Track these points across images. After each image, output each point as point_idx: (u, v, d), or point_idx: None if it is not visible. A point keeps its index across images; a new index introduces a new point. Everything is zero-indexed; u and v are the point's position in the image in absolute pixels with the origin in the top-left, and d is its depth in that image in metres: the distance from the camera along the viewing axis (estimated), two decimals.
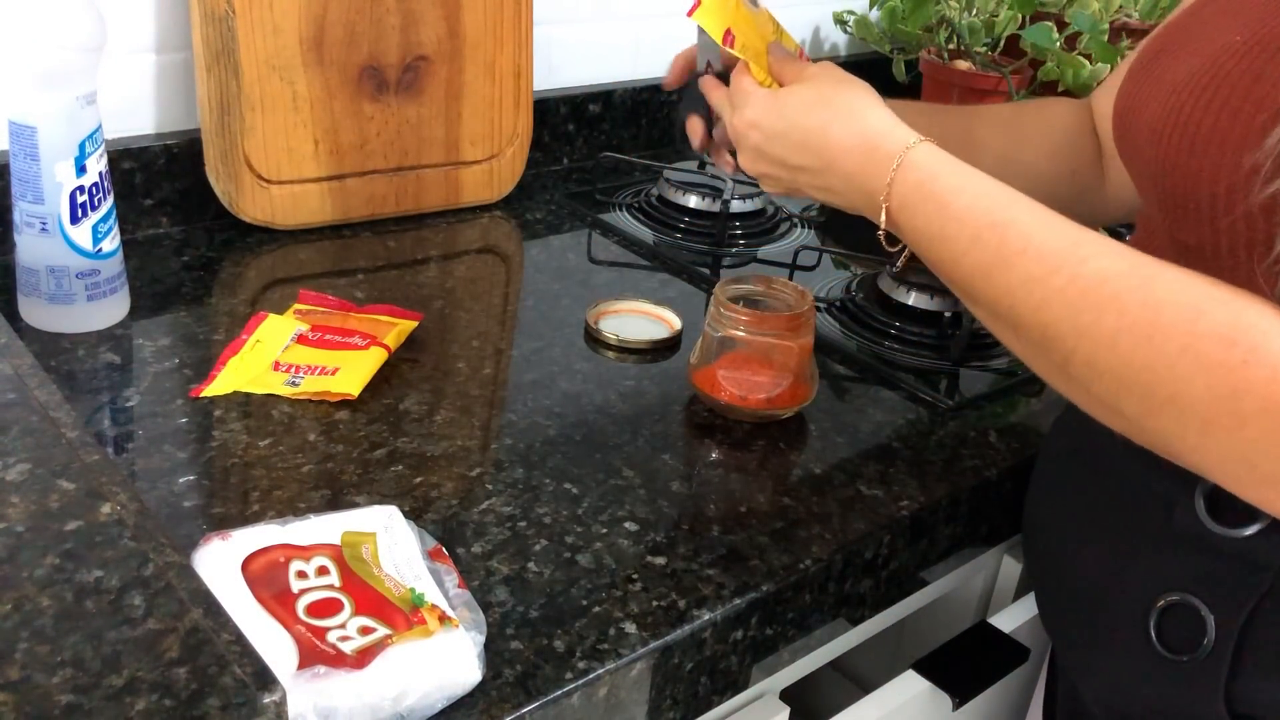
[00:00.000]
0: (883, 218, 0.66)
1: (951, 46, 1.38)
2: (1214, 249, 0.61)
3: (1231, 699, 0.63)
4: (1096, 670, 0.72)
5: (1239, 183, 0.57)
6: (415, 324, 0.90)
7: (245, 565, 0.60)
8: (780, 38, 0.81)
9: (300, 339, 0.85)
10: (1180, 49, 0.65)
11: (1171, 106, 0.62)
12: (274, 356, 0.83)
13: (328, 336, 0.86)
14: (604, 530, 0.71)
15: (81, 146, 0.81)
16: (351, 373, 0.82)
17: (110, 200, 0.85)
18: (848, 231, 1.19)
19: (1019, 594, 0.93)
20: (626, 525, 0.72)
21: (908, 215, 0.65)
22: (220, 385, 0.80)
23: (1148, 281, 0.56)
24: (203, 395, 0.79)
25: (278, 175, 1.03)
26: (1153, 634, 0.66)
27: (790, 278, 1.01)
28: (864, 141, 0.68)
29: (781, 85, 0.76)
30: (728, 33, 0.76)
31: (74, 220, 0.83)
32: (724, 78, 0.80)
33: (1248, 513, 0.62)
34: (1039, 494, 0.79)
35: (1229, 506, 0.62)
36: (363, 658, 0.56)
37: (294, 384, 0.81)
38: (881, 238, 0.75)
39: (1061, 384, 0.61)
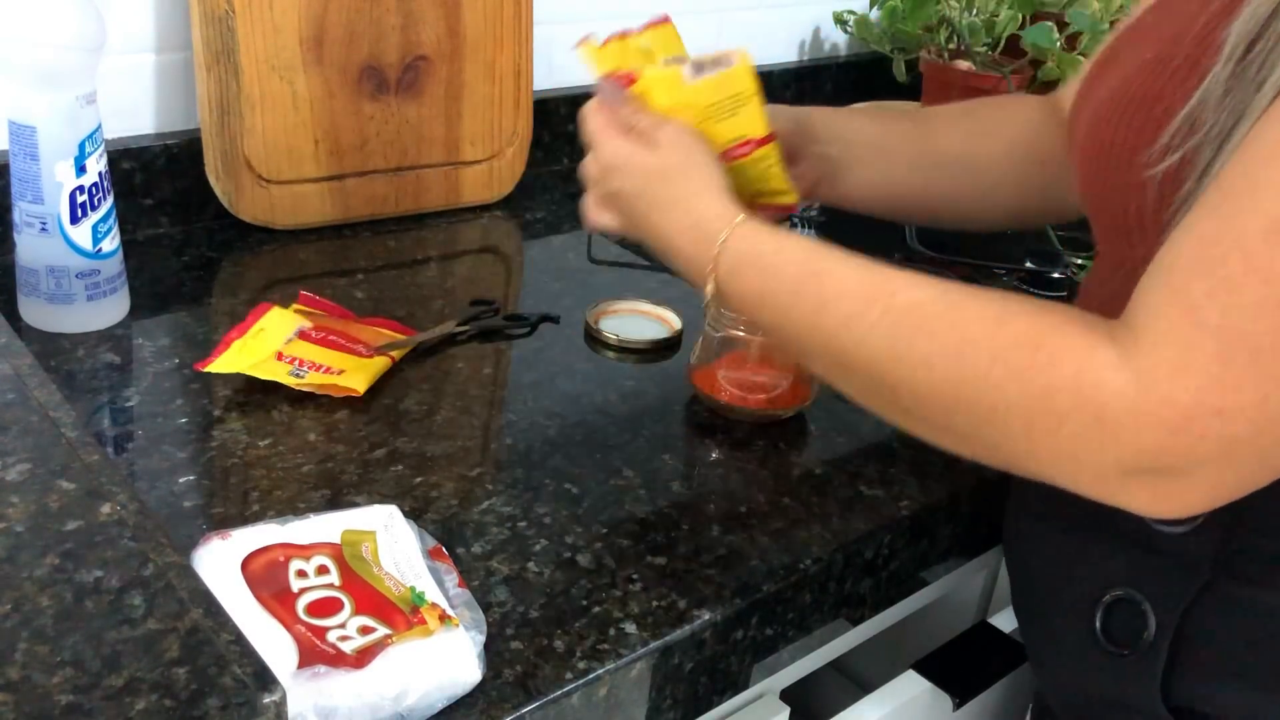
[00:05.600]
0: (710, 288, 0.69)
1: (952, 46, 1.38)
2: (1132, 264, 0.62)
3: (1169, 693, 0.65)
4: (1049, 662, 0.74)
5: (1147, 200, 0.59)
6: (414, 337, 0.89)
7: (245, 565, 0.60)
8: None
9: (303, 335, 0.85)
10: (1114, 63, 0.67)
11: (1093, 123, 0.64)
12: (277, 346, 0.83)
13: (331, 337, 0.85)
14: (604, 530, 0.71)
15: (81, 146, 0.81)
16: (357, 372, 0.82)
17: (110, 200, 0.85)
18: (848, 232, 1.18)
19: None
20: (626, 525, 0.72)
21: (735, 281, 0.68)
22: (225, 364, 0.80)
23: (953, 305, 0.59)
24: (207, 370, 0.79)
25: (277, 175, 1.03)
26: (1098, 627, 0.68)
27: None
28: (693, 227, 0.70)
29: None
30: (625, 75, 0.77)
31: (74, 220, 0.83)
32: None
33: None
34: (1016, 488, 0.80)
35: None
36: (363, 657, 0.56)
37: (298, 375, 0.80)
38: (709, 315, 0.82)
39: (903, 419, 0.63)
